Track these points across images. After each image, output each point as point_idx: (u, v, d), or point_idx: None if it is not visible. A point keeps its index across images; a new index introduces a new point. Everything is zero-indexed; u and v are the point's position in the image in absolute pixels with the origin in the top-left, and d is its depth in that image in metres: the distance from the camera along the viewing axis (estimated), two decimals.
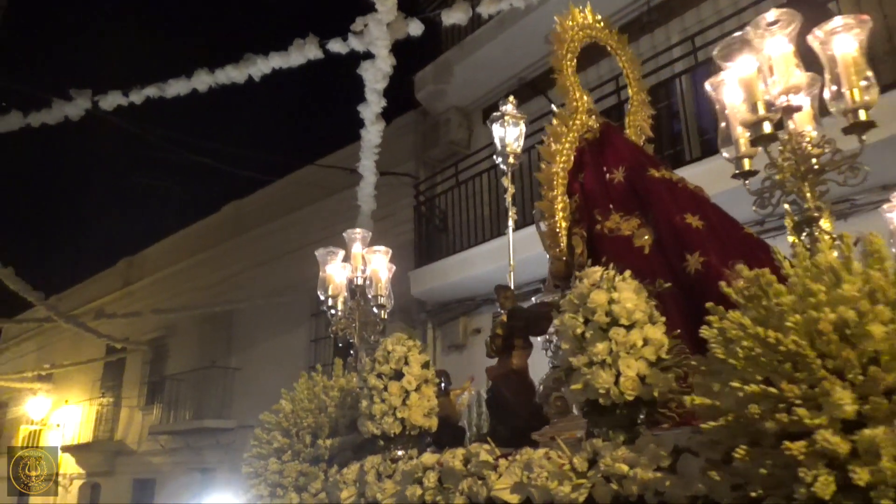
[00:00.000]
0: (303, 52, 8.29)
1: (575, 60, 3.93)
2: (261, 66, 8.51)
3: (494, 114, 3.79)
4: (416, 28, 8.19)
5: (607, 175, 3.68)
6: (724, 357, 1.89)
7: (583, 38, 4.01)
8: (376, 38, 7.82)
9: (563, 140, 3.70)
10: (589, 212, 3.53)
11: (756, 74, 2.32)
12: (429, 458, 2.84)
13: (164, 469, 15.70)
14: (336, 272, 4.00)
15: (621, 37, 4.30)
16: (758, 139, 2.26)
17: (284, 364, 12.50)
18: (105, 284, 20.16)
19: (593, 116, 3.91)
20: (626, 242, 3.39)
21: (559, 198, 3.57)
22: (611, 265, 2.57)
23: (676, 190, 3.49)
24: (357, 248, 4.01)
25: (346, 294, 3.98)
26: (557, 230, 3.50)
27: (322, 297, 4.01)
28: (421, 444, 3.27)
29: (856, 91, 2.25)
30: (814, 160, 2.25)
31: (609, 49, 4.20)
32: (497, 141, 3.72)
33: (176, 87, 8.86)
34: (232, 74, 8.64)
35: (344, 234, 4.12)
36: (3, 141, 9.37)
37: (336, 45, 8.20)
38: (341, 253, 4.08)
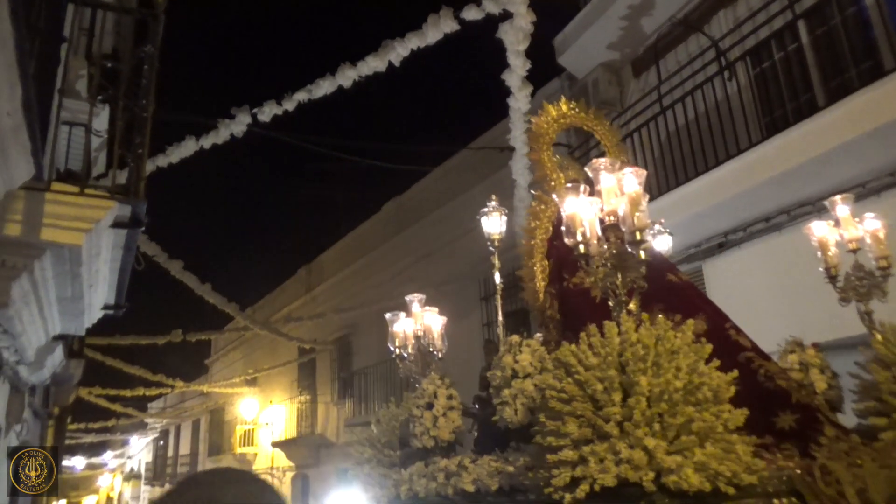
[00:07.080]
0: (438, 27, 8.16)
1: (552, 148, 5.50)
2: (399, 50, 8.45)
3: (483, 209, 5.43)
4: None
5: None
6: (541, 400, 3.60)
7: (558, 129, 5.57)
8: None
9: (542, 216, 5.33)
10: (560, 272, 5.15)
11: (576, 214, 3.93)
12: (444, 463, 4.69)
13: None
14: (401, 328, 5.91)
15: (597, 113, 5.81)
16: (577, 256, 3.89)
17: (459, 349, 13.77)
18: (290, 292, 23.41)
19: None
20: (585, 294, 4.97)
21: (538, 264, 5.23)
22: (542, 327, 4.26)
23: None
24: (416, 308, 5.89)
25: (413, 342, 5.85)
26: (536, 290, 5.17)
27: (392, 348, 5.93)
28: (451, 452, 5.07)
29: (635, 218, 3.80)
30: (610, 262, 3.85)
31: (586, 128, 5.73)
32: (486, 229, 5.38)
33: (323, 87, 9.02)
34: (373, 64, 8.66)
35: (406, 298, 6.01)
36: (183, 168, 10.10)
37: (471, 13, 7.96)
38: (402, 313, 5.97)
